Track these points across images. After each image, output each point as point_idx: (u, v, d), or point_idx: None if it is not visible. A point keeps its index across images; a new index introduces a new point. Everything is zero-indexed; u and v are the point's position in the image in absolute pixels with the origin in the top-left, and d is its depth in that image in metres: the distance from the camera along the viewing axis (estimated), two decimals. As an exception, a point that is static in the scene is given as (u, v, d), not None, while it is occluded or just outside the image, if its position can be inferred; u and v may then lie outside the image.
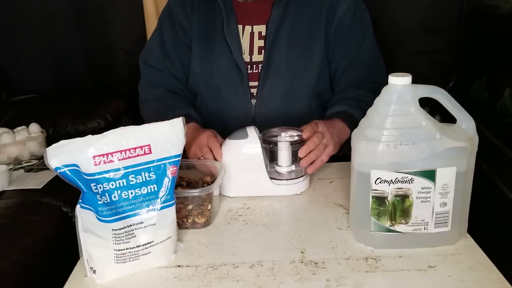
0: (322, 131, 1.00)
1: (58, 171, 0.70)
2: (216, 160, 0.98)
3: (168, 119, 1.16)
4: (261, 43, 1.22)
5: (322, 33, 1.22)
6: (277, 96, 1.22)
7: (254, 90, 1.23)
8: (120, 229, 0.73)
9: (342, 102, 1.16)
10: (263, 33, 1.21)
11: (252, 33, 1.22)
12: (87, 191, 0.72)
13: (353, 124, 0.96)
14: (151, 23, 1.86)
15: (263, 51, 1.21)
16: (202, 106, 1.28)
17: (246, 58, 1.22)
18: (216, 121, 1.25)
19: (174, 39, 1.28)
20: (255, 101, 1.23)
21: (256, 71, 1.22)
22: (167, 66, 1.29)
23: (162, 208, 0.76)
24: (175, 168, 0.77)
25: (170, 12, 1.29)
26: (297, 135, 1.00)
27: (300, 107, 1.23)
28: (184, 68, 1.29)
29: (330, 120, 1.09)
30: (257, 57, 1.22)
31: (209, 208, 0.89)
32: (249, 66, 1.22)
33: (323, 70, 1.24)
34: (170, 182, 0.77)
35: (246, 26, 1.22)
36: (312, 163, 0.98)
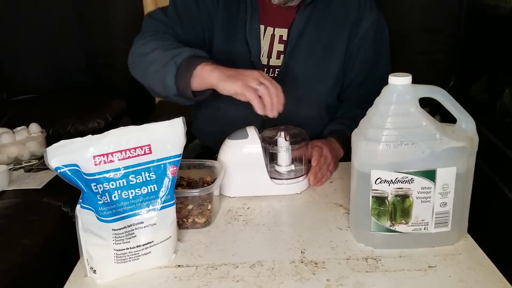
0: (325, 155, 1.07)
1: (58, 171, 0.70)
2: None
3: (174, 52, 1.01)
4: (281, 47, 1.19)
5: (343, 45, 1.20)
6: (290, 103, 1.18)
7: None
8: (120, 229, 0.73)
9: (342, 120, 1.20)
10: (284, 37, 1.19)
11: (273, 36, 1.19)
12: (87, 191, 0.72)
13: (347, 144, 1.00)
14: (151, 23, 1.86)
15: (282, 56, 1.19)
16: (213, 101, 1.25)
17: (264, 61, 1.19)
18: (225, 118, 1.22)
19: (193, 10, 1.17)
20: None
21: (272, 75, 1.20)
22: (175, 31, 1.16)
23: (162, 208, 0.76)
24: (175, 168, 0.77)
25: None
26: (297, 135, 1.00)
27: (311, 116, 1.22)
28: (192, 43, 1.14)
29: (329, 140, 1.14)
30: (275, 62, 1.20)
31: (209, 208, 0.89)
32: (265, 70, 1.20)
33: (337, 82, 1.23)
34: (170, 182, 0.77)
35: (268, 27, 1.19)
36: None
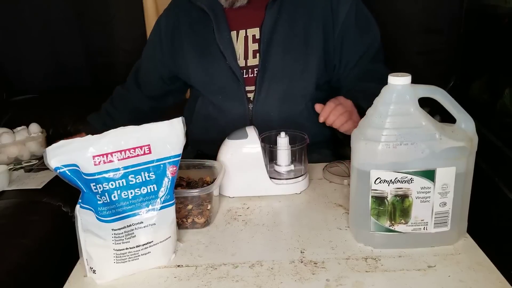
0: (342, 102, 1.07)
1: (58, 171, 0.71)
2: None
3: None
4: (256, 46, 1.20)
5: (319, 36, 1.19)
6: (274, 101, 1.21)
7: (251, 95, 1.22)
8: (119, 229, 0.73)
9: (351, 94, 1.15)
10: (257, 36, 1.20)
11: (246, 37, 1.21)
12: (87, 191, 0.72)
13: (360, 112, 1.03)
14: (151, 23, 1.85)
15: (257, 54, 1.20)
16: (202, 109, 1.29)
17: (241, 62, 1.21)
18: (214, 124, 1.26)
19: (151, 52, 1.36)
20: (252, 106, 1.22)
21: (252, 75, 1.21)
22: (137, 80, 1.44)
23: (161, 208, 0.76)
24: (174, 168, 0.77)
25: (158, 26, 1.34)
26: (297, 135, 1.00)
27: (297, 111, 1.22)
28: (150, 84, 1.40)
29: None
30: (252, 61, 1.21)
31: (208, 208, 0.89)
32: (244, 71, 1.21)
33: (321, 73, 1.22)
34: (169, 182, 0.77)
35: (240, 30, 1.21)
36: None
